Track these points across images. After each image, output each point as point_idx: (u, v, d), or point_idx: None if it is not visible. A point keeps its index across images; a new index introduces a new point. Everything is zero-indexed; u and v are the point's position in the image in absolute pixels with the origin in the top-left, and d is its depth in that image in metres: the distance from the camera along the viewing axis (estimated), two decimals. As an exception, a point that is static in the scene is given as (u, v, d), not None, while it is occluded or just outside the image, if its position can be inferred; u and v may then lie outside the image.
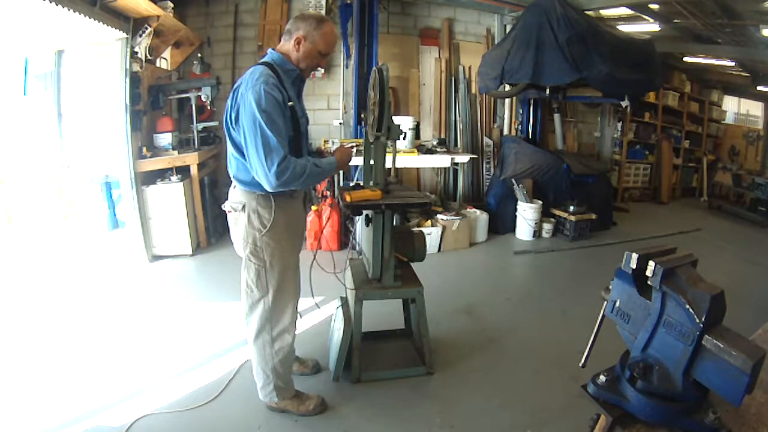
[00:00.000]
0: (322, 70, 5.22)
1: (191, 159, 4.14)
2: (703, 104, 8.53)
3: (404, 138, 4.65)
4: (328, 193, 4.47)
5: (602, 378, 1.14)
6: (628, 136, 7.43)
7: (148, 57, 4.16)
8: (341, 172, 4.64)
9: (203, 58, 4.90)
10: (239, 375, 2.42)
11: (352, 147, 2.17)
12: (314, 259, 2.17)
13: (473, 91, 5.89)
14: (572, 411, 2.09)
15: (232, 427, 2.08)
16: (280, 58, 1.89)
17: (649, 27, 5.87)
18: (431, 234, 4.42)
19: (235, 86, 1.82)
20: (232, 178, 1.95)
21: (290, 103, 1.82)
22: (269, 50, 1.93)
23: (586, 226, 5.09)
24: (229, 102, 1.81)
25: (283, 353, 2.03)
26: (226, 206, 1.98)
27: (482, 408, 2.25)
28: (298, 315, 2.13)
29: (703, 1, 4.69)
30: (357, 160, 4.45)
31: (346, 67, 5.27)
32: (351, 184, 2.35)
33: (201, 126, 4.36)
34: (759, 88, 8.15)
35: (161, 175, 4.11)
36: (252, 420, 2.11)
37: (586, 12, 5.03)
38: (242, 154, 1.82)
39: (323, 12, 5.02)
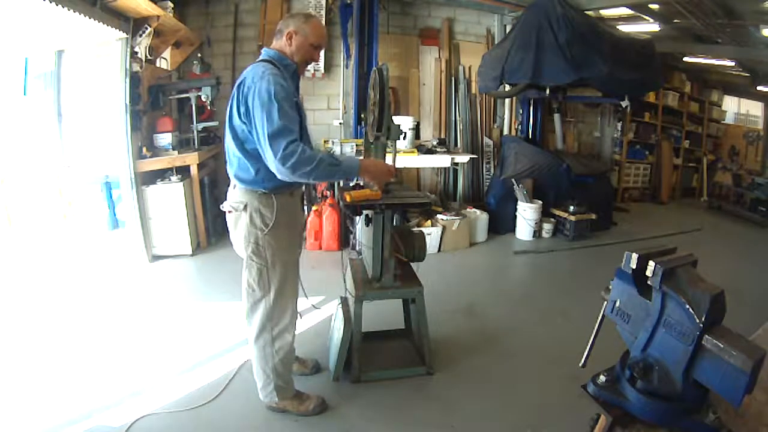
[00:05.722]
0: (322, 70, 5.22)
1: (191, 159, 4.14)
2: (703, 104, 8.53)
3: (404, 138, 4.65)
4: (328, 193, 4.47)
5: (602, 378, 1.15)
6: (628, 136, 7.43)
7: (148, 57, 4.16)
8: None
9: (203, 58, 4.89)
10: (239, 375, 2.42)
11: (391, 168, 2.02)
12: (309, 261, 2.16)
13: (473, 91, 5.89)
14: (572, 411, 2.07)
15: (232, 427, 2.08)
16: (276, 55, 1.90)
17: (649, 27, 5.87)
18: (431, 234, 4.42)
19: (238, 82, 1.79)
20: (232, 178, 1.93)
21: (295, 99, 1.83)
22: (263, 50, 1.94)
23: (586, 226, 5.09)
24: (233, 98, 1.79)
25: (283, 352, 2.03)
26: (225, 206, 1.97)
27: (482, 408, 2.25)
28: (299, 315, 2.13)
29: (703, 1, 4.69)
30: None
31: (346, 67, 5.27)
32: (351, 184, 2.34)
33: (201, 126, 4.36)
34: (759, 88, 8.14)
35: (161, 175, 4.11)
36: (252, 420, 2.11)
37: (586, 12, 5.03)
38: (245, 151, 1.82)
39: (323, 12, 5.02)
